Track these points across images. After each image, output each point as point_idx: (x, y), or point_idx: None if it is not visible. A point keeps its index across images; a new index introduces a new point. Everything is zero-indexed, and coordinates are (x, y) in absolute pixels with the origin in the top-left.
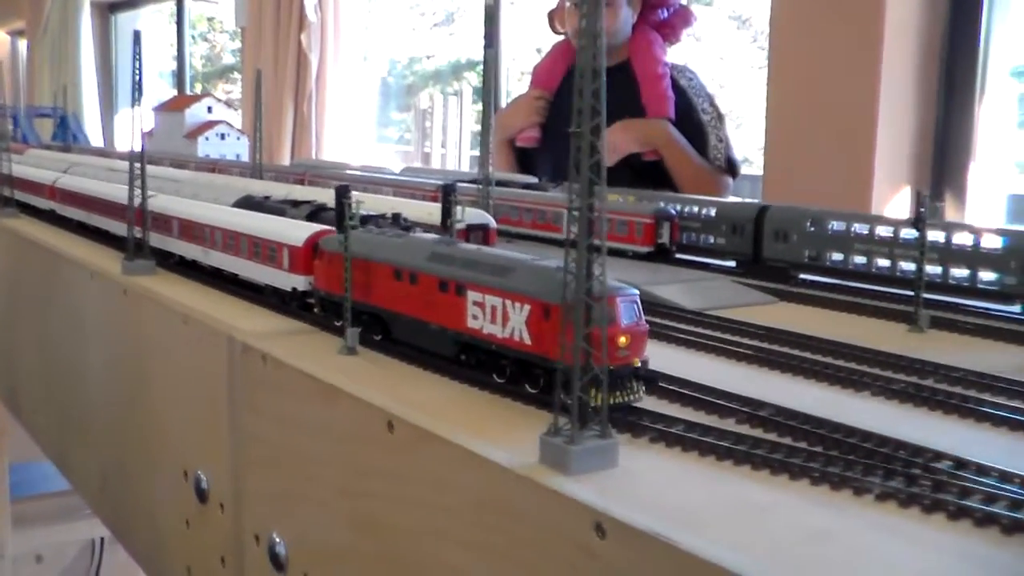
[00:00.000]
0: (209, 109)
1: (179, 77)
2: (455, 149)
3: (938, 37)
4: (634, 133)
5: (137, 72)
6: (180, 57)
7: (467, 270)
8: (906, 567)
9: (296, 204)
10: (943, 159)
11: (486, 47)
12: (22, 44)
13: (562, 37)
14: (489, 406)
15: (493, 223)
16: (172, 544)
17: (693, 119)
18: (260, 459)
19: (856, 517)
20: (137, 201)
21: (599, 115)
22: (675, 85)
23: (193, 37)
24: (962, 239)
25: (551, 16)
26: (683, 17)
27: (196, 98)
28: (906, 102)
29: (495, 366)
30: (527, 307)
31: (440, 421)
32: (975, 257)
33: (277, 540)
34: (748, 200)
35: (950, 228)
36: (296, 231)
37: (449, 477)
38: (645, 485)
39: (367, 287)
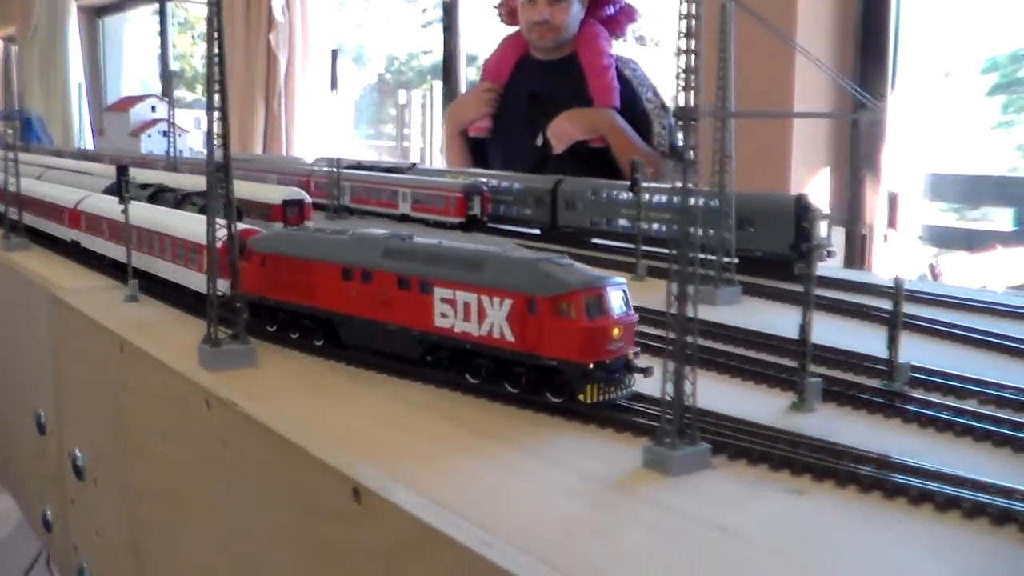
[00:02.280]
0: (153, 108)
1: (164, 77)
2: (426, 143)
3: (851, 28)
4: (580, 122)
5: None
6: (163, 57)
7: (431, 266)
8: None
9: (144, 187)
10: (860, 142)
11: (445, 43)
12: (14, 49)
13: (512, 30)
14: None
15: (308, 198)
16: (27, 471)
17: (638, 108)
18: (72, 393)
19: None
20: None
21: None
22: (620, 76)
23: (193, 38)
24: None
25: (501, 9)
26: (628, 13)
27: (141, 98)
28: (821, 89)
29: (469, 366)
30: (508, 302)
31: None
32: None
33: (78, 455)
34: (548, 175)
35: (672, 192)
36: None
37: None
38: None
39: (310, 288)
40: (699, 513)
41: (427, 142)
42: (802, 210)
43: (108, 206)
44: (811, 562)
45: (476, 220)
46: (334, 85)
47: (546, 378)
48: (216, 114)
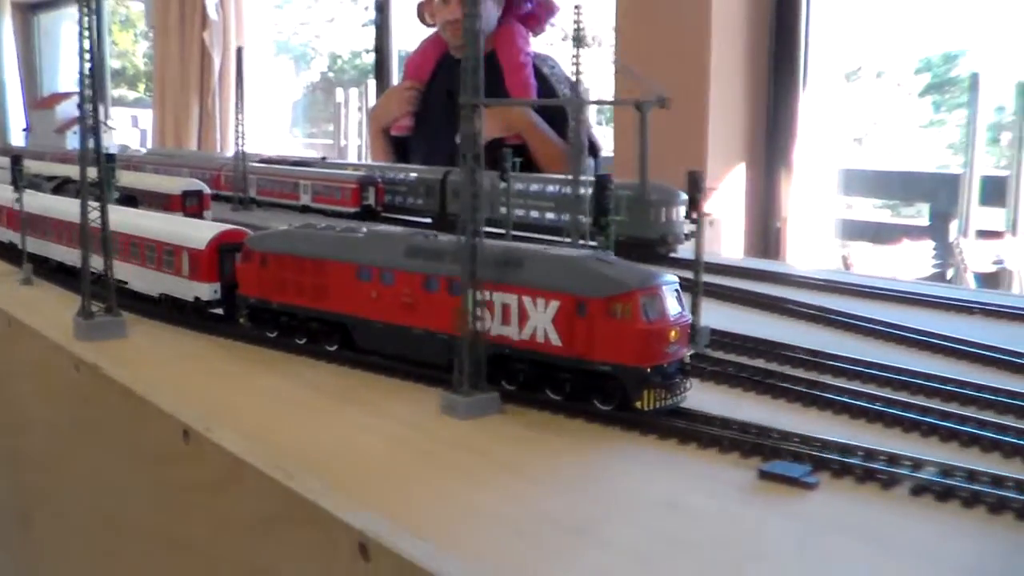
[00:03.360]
0: (79, 105)
1: (95, 74)
2: (363, 140)
3: (764, 34)
4: (497, 119)
5: None
6: (100, 54)
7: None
8: None
9: (50, 179)
10: (774, 139)
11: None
12: None
13: (432, 30)
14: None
15: (206, 189)
16: None
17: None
18: None
19: None
20: None
21: None
22: (538, 73)
23: (135, 36)
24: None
25: (420, 9)
26: (547, 8)
27: (67, 95)
28: (736, 90)
29: (506, 371)
30: (554, 303)
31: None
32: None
33: None
34: (437, 167)
35: (537, 181)
36: (198, 231)
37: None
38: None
39: (320, 290)
40: (482, 448)
41: (364, 140)
42: (600, 189)
43: (6, 195)
44: (577, 487)
45: (371, 210)
46: (239, 84)
47: (596, 384)
48: (89, 106)
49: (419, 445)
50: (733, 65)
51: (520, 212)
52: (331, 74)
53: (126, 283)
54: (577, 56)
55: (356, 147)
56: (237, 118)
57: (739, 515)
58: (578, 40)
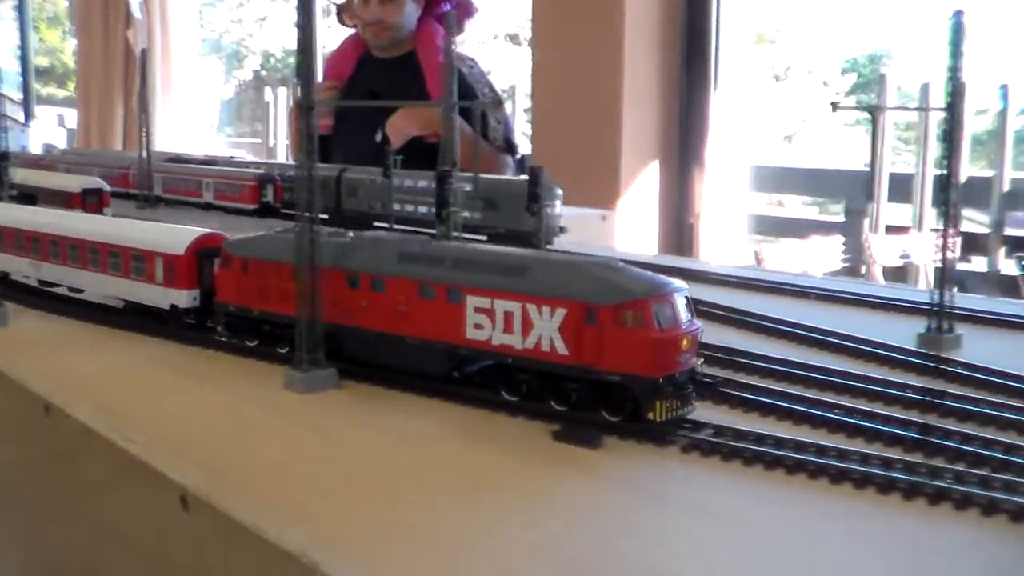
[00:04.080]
0: None
1: (24, 72)
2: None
3: (676, 34)
4: (415, 118)
5: None
6: (24, 51)
7: (461, 271)
8: None
9: None
10: (687, 137)
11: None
12: None
13: (352, 30)
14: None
15: (106, 187)
16: None
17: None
18: None
19: None
20: None
21: None
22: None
23: (64, 33)
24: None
25: (340, 10)
26: (465, 10)
27: None
28: (649, 90)
29: (507, 382)
30: (561, 311)
31: None
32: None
33: None
34: (332, 165)
35: (420, 177)
36: (175, 236)
37: None
38: None
39: None
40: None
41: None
42: (440, 182)
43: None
44: (378, 451)
45: (270, 207)
46: (143, 85)
47: (604, 394)
48: None
49: (254, 416)
50: (646, 65)
51: (409, 208)
52: (264, 72)
53: (82, 291)
54: None
55: (285, 146)
56: (140, 118)
57: None
58: None
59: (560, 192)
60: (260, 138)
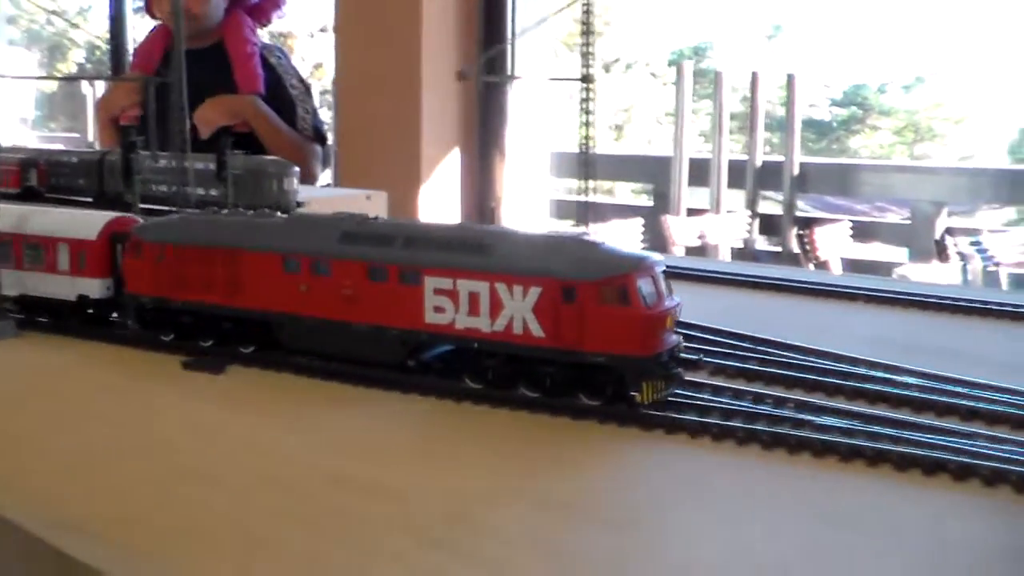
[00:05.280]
0: None
1: None
2: None
3: (474, 24)
4: (223, 108)
5: None
6: None
7: (417, 250)
8: None
9: None
10: (487, 125)
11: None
12: None
13: (159, 21)
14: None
15: None
16: None
17: (283, 94)
18: None
19: None
20: None
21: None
22: (265, 63)
23: None
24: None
25: (148, 2)
26: (274, 2)
27: None
28: (449, 78)
29: (473, 368)
30: (535, 290)
31: None
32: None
33: None
34: (96, 149)
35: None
36: (84, 221)
37: None
38: None
39: (234, 285)
40: None
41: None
42: (126, 152)
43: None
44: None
45: (33, 190)
46: None
47: (584, 377)
48: None
49: None
50: (445, 53)
51: (162, 188)
52: (89, 65)
53: None
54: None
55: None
56: None
57: None
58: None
59: (296, 169)
60: (79, 132)
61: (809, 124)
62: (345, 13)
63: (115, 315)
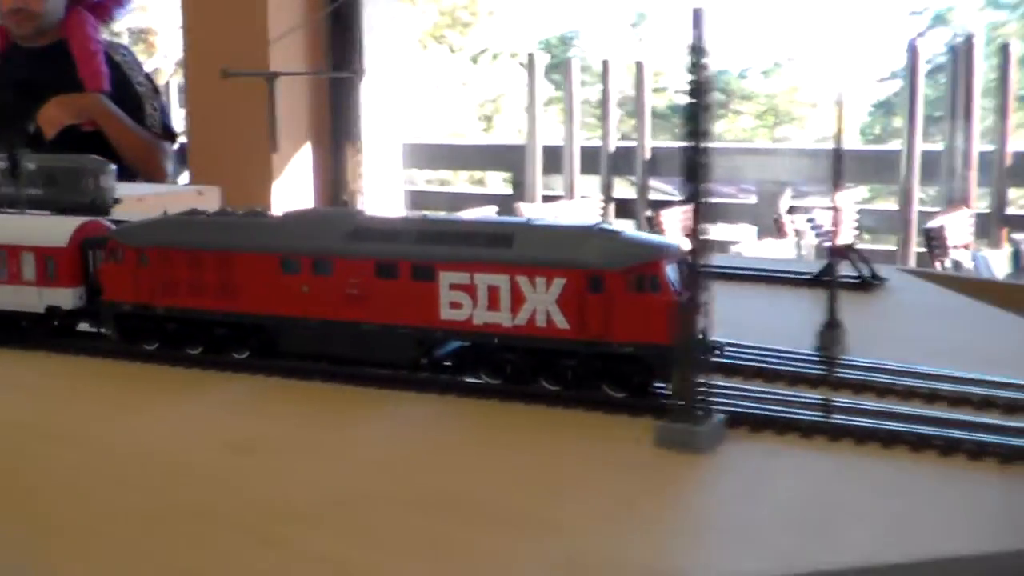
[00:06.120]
0: None
1: None
2: None
3: (323, 35)
4: (68, 107)
5: None
6: None
7: (430, 245)
8: None
9: None
10: (339, 118)
11: None
12: None
13: None
14: None
15: None
16: None
17: (130, 91)
18: None
19: None
20: None
21: None
22: (110, 61)
23: None
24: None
25: None
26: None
27: None
28: (299, 61)
29: (489, 365)
30: (559, 281)
31: None
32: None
33: None
34: None
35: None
36: (49, 227)
37: None
38: None
39: (226, 288)
40: None
41: None
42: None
43: None
44: None
45: None
46: None
47: (610, 369)
48: None
49: None
50: (293, 48)
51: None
52: None
53: None
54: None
55: None
56: None
57: None
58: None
59: (113, 167)
60: None
61: (675, 110)
62: (194, 10)
63: (87, 325)
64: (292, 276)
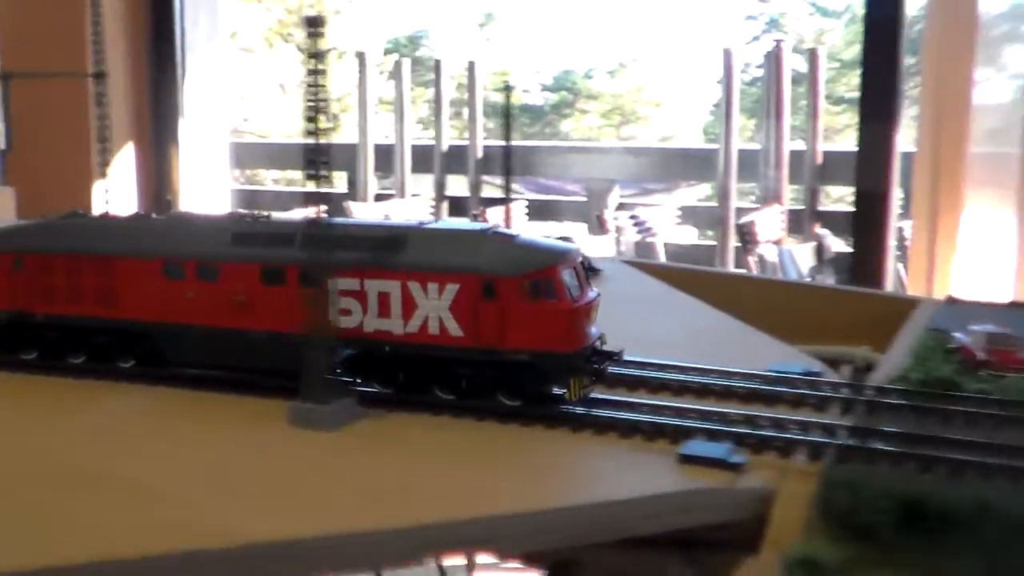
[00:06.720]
0: None
1: None
2: None
3: (143, 25)
4: None
5: None
6: None
7: (317, 250)
8: None
9: None
10: (161, 120)
11: None
12: None
13: None
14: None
15: None
16: None
17: None
18: None
19: None
20: None
21: None
22: None
23: None
24: None
25: None
26: None
27: None
28: (118, 77)
29: (381, 373)
30: (452, 287)
31: None
32: None
33: None
34: None
35: None
36: None
37: None
38: None
39: (109, 295)
40: None
41: None
42: None
43: None
44: None
45: None
46: None
47: (504, 377)
48: None
49: None
50: (113, 52)
51: None
52: None
53: None
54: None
55: None
56: None
57: None
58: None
59: None
60: None
61: (524, 109)
62: (7, 16)
63: None
64: (176, 282)
